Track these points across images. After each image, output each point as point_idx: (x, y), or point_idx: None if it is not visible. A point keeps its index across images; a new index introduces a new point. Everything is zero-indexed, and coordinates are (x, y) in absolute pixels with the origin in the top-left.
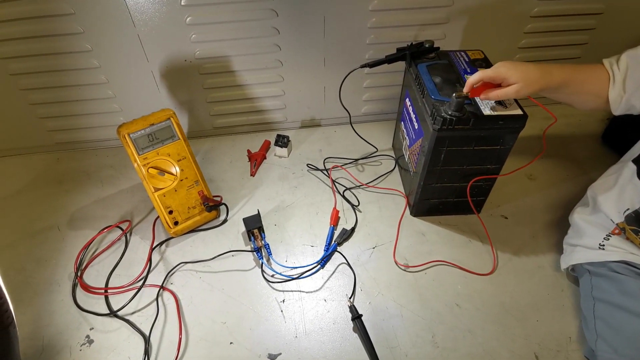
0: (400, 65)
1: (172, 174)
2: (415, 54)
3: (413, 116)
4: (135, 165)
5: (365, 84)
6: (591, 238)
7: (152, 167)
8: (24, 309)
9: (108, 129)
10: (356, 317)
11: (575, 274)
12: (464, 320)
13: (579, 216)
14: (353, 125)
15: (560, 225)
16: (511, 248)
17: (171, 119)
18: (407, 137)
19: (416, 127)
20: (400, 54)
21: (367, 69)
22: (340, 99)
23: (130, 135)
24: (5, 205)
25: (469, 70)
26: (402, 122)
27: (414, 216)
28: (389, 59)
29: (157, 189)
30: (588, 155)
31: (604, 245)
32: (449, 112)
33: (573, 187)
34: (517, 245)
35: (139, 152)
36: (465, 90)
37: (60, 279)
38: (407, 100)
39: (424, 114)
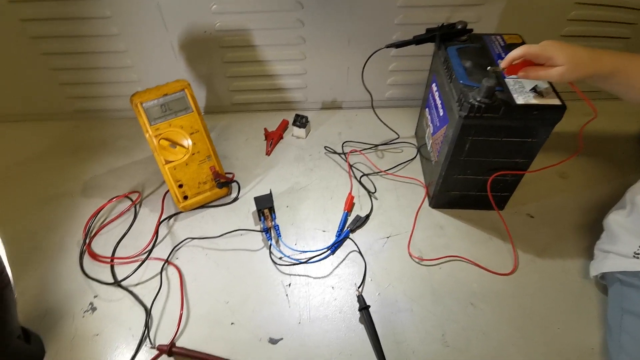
0: (429, 49)
1: (183, 146)
2: (445, 36)
3: (439, 102)
4: (147, 135)
5: (391, 67)
6: (626, 245)
7: (163, 139)
8: (32, 273)
9: (125, 99)
10: (363, 308)
11: (604, 282)
12: (479, 320)
13: (614, 220)
14: (375, 109)
15: (593, 229)
16: (535, 249)
17: (185, 90)
18: (430, 125)
19: (441, 114)
20: (429, 35)
21: (393, 51)
22: (362, 79)
23: (143, 105)
24: (22, 169)
25: (503, 56)
26: (427, 109)
27: (433, 208)
28: (417, 40)
29: (167, 162)
30: (626, 155)
31: (639, 253)
32: (478, 99)
33: (609, 189)
34: (541, 247)
35: (151, 123)
36: (503, 65)
37: (69, 246)
38: (434, 85)
39: (450, 100)
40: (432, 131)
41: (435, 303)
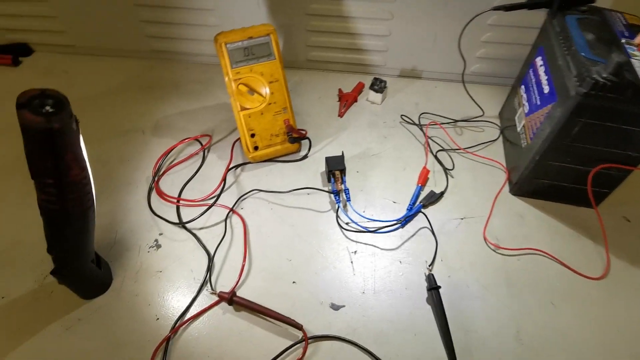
0: (535, 20)
1: (261, 95)
2: (565, 3)
3: (544, 78)
4: (227, 79)
5: (483, 37)
6: None
7: (242, 84)
8: (104, 201)
9: (202, 43)
10: (433, 288)
11: None
12: (559, 322)
13: None
14: (457, 82)
15: None
16: (630, 256)
17: (271, 35)
18: (526, 104)
19: (546, 92)
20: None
21: (491, 19)
22: (459, 45)
23: (227, 46)
24: (99, 101)
25: (626, 34)
26: (522, 86)
27: (514, 195)
28: (531, 4)
29: (243, 108)
30: None
31: None
32: (603, 75)
33: None
34: (638, 254)
35: (232, 65)
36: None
37: (139, 180)
38: (539, 59)
39: (564, 76)
40: (527, 110)
41: (511, 296)
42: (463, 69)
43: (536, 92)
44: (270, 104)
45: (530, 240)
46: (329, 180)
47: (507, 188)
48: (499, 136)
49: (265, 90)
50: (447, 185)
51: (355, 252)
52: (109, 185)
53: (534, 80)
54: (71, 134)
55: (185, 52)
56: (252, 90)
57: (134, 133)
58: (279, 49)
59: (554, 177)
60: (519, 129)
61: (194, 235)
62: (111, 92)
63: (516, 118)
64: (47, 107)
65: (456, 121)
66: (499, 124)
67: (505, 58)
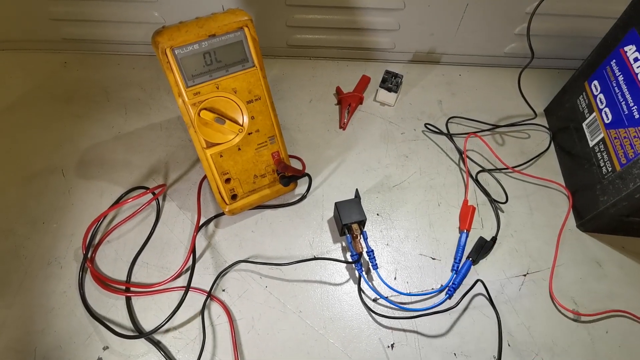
0: None
1: (236, 122)
2: None
3: None
4: (180, 101)
5: (529, 8)
6: None
7: (206, 109)
8: (12, 299)
9: (137, 27)
10: None
11: None
12: None
13: None
14: (480, 65)
15: None
16: None
17: (245, 29)
18: (606, 110)
19: None
20: None
21: None
22: (529, 24)
23: (176, 52)
24: None
25: None
26: (595, 82)
27: (584, 231)
28: None
29: (210, 145)
30: None
31: None
32: None
33: None
34: None
35: (187, 82)
36: None
37: (63, 257)
38: (631, 48)
39: None
40: (608, 120)
41: None
42: (530, 61)
43: (629, 97)
44: (250, 133)
45: (614, 299)
46: (342, 234)
47: (572, 220)
48: (550, 144)
49: (242, 117)
50: (498, 226)
51: (392, 345)
52: (17, 270)
53: (622, 78)
54: None
55: (112, 40)
56: (222, 118)
57: (49, 176)
58: (258, 49)
59: None
60: (592, 143)
61: (157, 346)
62: (10, 108)
63: (584, 125)
64: None
65: (496, 126)
66: (547, 126)
67: (560, 34)
